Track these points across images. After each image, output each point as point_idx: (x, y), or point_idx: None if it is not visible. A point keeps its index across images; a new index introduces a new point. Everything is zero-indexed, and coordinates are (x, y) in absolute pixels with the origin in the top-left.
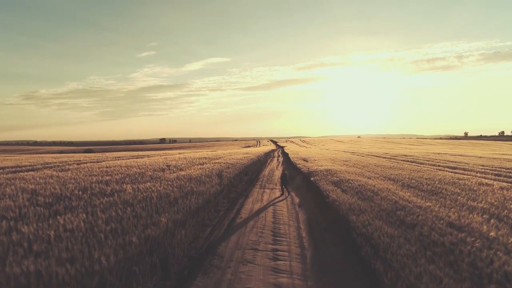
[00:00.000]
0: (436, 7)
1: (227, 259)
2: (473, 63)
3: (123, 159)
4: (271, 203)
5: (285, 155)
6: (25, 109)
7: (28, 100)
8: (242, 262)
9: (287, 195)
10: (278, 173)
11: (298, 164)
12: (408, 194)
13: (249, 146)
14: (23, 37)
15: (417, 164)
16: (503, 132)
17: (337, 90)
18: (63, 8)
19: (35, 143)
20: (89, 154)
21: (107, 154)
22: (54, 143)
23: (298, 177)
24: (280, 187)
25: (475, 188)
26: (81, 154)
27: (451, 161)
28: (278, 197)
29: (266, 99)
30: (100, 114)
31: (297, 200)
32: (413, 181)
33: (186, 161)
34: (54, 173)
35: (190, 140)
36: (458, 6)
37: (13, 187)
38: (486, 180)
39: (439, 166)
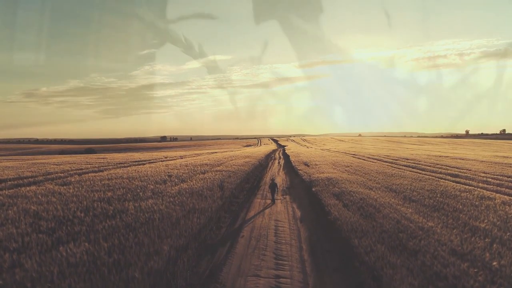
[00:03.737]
0: (437, 4)
1: None
2: (474, 60)
3: (124, 166)
4: (273, 217)
5: (286, 157)
6: (26, 107)
7: (29, 97)
8: None
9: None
10: (279, 179)
11: (300, 169)
12: (410, 210)
13: (250, 146)
14: (23, 35)
15: (418, 171)
16: (504, 130)
17: (338, 87)
18: (64, 6)
19: (36, 141)
20: (90, 156)
21: (108, 158)
22: (55, 141)
23: (299, 186)
24: (280, 197)
25: (477, 203)
26: (82, 156)
27: (452, 167)
28: (277, 204)
29: (267, 97)
30: (101, 112)
31: (298, 213)
32: (414, 193)
33: (187, 169)
34: (56, 187)
35: (191, 138)
36: (459, 4)
37: (15, 208)
38: (488, 193)
39: (440, 173)
